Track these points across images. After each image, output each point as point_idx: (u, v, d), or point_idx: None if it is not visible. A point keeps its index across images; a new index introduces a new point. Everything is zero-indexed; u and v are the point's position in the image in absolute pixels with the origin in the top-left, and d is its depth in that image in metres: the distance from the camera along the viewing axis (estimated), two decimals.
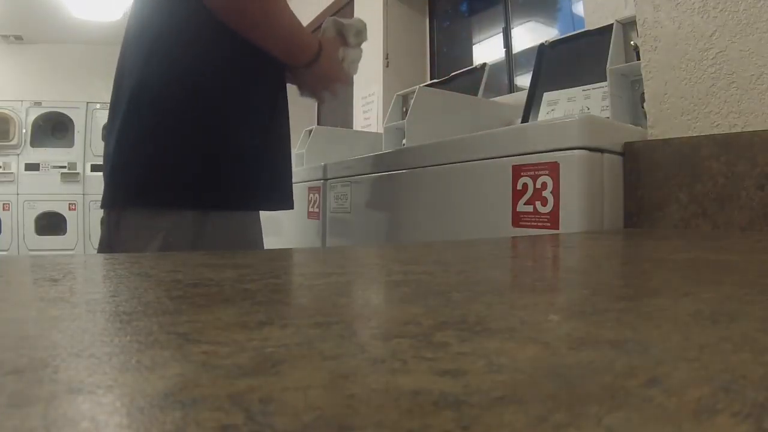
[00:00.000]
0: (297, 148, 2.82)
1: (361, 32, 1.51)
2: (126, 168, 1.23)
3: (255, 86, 1.32)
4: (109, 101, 1.34)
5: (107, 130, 1.32)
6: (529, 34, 3.44)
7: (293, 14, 1.28)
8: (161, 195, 1.20)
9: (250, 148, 1.29)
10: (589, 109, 1.79)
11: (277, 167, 1.39)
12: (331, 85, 1.46)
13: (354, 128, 4.30)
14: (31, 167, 7.24)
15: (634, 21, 1.47)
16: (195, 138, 1.21)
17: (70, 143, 7.33)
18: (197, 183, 1.21)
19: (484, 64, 2.66)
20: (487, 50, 3.76)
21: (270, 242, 2.47)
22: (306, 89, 1.47)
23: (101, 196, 1.29)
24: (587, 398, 0.18)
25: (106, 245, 1.29)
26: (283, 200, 1.43)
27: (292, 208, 1.46)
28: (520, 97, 2.27)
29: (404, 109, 2.72)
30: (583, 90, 1.84)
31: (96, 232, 7.15)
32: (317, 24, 5.44)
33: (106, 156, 1.30)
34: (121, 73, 1.30)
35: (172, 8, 1.23)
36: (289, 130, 1.47)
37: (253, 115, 1.31)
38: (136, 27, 1.29)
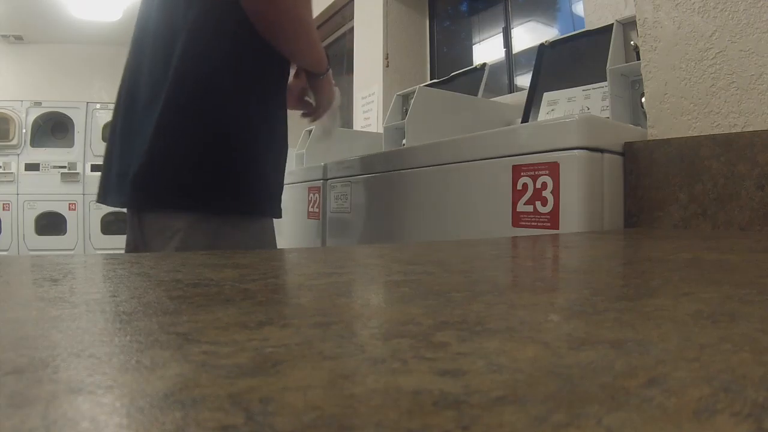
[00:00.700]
0: (297, 148, 2.82)
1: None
2: (153, 169, 1.22)
3: (276, 95, 1.35)
4: (121, 98, 1.34)
5: (124, 128, 1.31)
6: (529, 34, 3.44)
7: (313, 21, 1.32)
8: (178, 198, 1.21)
9: (267, 155, 1.33)
10: (589, 109, 1.79)
11: (281, 176, 1.43)
12: (332, 97, 1.52)
13: (354, 128, 4.30)
14: (31, 167, 7.23)
15: (634, 21, 1.47)
16: (218, 143, 1.23)
17: (70, 143, 7.31)
18: (217, 188, 1.22)
19: (484, 64, 2.66)
20: (487, 50, 3.76)
21: None
22: (320, 95, 1.51)
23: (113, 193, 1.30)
24: (587, 398, 0.18)
25: (133, 246, 1.30)
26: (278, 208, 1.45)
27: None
28: (520, 97, 2.27)
29: (404, 109, 2.72)
30: (583, 90, 1.84)
31: (96, 232, 7.15)
32: (317, 24, 5.44)
33: (124, 154, 1.28)
34: (139, 71, 1.31)
35: (199, 18, 1.23)
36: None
37: (273, 122, 1.34)
38: (159, 26, 1.29)
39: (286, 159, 1.44)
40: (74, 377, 0.20)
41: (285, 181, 2.13)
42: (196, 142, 1.21)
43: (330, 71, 1.47)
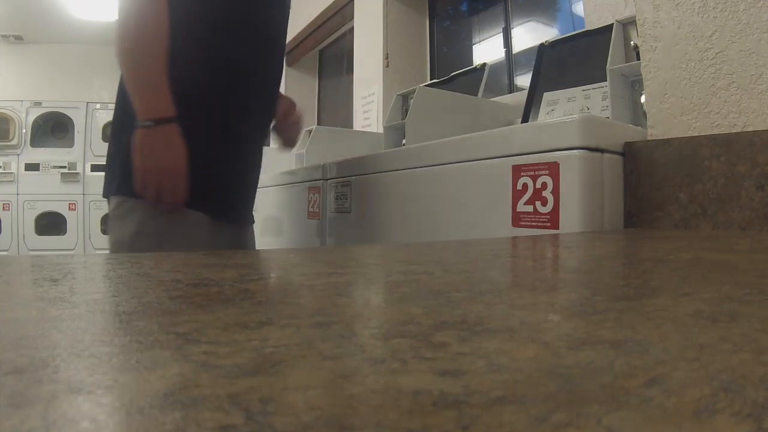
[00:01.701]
0: (297, 148, 2.82)
1: None
2: (110, 160, 1.37)
3: (218, 90, 1.34)
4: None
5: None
6: (529, 34, 3.44)
7: (153, 63, 1.22)
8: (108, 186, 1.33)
9: (218, 154, 1.33)
10: (589, 109, 1.79)
11: (239, 177, 1.41)
12: (144, 173, 1.26)
13: (354, 128, 4.30)
14: (31, 167, 7.23)
15: (634, 21, 1.47)
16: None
17: (70, 143, 7.31)
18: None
19: (484, 64, 2.66)
20: (487, 50, 3.76)
21: (270, 242, 2.47)
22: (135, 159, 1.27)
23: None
24: (587, 398, 0.18)
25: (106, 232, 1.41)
26: (237, 214, 1.45)
27: (250, 222, 1.52)
28: (520, 97, 2.27)
29: (404, 109, 2.72)
30: (583, 90, 1.84)
31: (96, 232, 7.14)
32: (316, 25, 5.45)
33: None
34: None
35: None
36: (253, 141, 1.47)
37: (212, 115, 1.33)
38: None
39: (236, 154, 1.39)
40: (74, 377, 0.20)
41: (284, 182, 2.13)
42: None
43: (162, 129, 1.23)
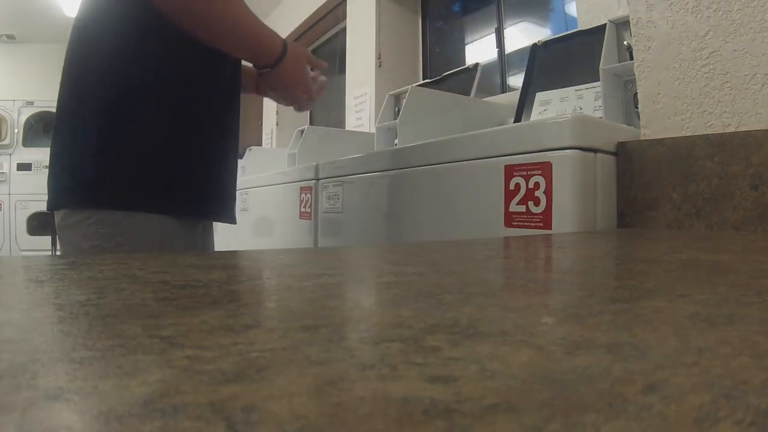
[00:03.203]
0: (289, 148, 2.82)
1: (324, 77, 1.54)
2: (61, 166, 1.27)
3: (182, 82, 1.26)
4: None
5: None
6: (521, 35, 3.44)
7: (249, 12, 1.23)
8: (87, 195, 1.20)
9: (175, 154, 1.24)
10: (581, 109, 1.79)
11: (207, 176, 1.31)
12: (296, 91, 1.41)
13: (346, 128, 4.31)
14: (23, 167, 7.23)
15: (627, 21, 1.47)
16: (125, 139, 1.19)
17: None
18: (121, 183, 1.18)
19: (477, 64, 2.66)
20: (479, 50, 3.76)
21: (261, 243, 2.48)
22: (272, 90, 1.42)
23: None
24: (584, 406, 0.17)
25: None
26: (216, 211, 1.38)
27: (230, 221, 1.43)
28: (513, 97, 2.28)
29: (396, 109, 2.72)
30: (576, 90, 1.84)
31: None
32: (309, 25, 5.45)
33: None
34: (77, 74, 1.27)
35: (123, 11, 1.20)
36: (235, 139, 1.42)
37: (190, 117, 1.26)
38: (89, 28, 1.24)
39: (213, 161, 1.33)
40: (53, 383, 0.20)
41: (276, 181, 2.12)
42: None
43: (284, 62, 1.31)
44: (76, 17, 1.27)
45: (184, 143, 1.23)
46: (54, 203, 1.28)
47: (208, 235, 1.46)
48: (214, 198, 1.36)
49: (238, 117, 1.42)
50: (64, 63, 1.29)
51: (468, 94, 2.54)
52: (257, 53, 1.30)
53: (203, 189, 1.30)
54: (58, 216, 1.25)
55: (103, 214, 1.17)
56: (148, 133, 1.19)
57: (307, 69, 1.41)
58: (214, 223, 1.47)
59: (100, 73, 1.19)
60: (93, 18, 1.22)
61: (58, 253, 1.26)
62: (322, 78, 1.51)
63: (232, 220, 1.44)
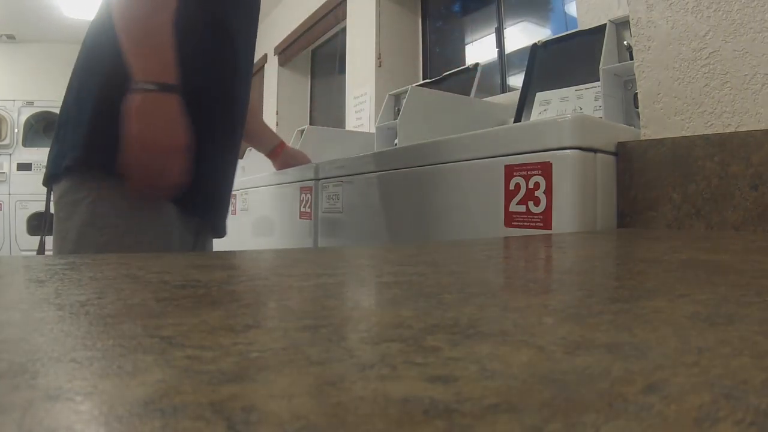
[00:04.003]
0: None
1: None
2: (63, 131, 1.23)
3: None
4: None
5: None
6: (521, 35, 3.44)
7: (167, 31, 1.09)
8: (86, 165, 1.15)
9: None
10: (581, 109, 1.79)
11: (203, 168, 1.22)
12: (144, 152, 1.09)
13: (346, 128, 4.31)
14: (23, 167, 7.23)
15: (627, 21, 1.47)
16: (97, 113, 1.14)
17: None
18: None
19: (477, 64, 2.66)
20: (479, 50, 3.76)
21: (261, 243, 2.47)
22: (127, 121, 1.08)
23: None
24: (584, 406, 0.17)
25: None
26: (200, 210, 1.30)
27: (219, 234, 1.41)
28: (513, 97, 2.28)
29: (396, 109, 2.72)
30: (576, 90, 1.84)
31: None
32: (309, 25, 5.45)
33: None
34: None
35: None
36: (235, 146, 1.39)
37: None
38: (98, 29, 1.24)
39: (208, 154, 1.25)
40: (53, 383, 0.20)
41: (276, 181, 2.12)
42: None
43: (166, 96, 1.08)
44: (92, 19, 1.28)
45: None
46: (48, 177, 1.24)
47: (207, 243, 1.43)
48: (209, 202, 1.32)
49: (241, 125, 1.39)
50: (76, 62, 1.29)
51: (468, 94, 2.54)
52: (149, 53, 1.09)
53: (202, 189, 1.25)
54: (54, 192, 1.21)
55: (101, 192, 1.14)
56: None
57: (165, 135, 1.10)
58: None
59: (101, 74, 1.17)
60: (101, 20, 1.22)
61: (48, 245, 1.22)
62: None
63: (221, 231, 1.41)
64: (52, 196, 1.24)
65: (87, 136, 1.15)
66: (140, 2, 1.08)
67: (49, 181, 1.24)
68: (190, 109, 1.13)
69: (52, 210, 1.27)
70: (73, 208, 1.16)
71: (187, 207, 1.23)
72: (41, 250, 1.39)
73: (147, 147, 1.07)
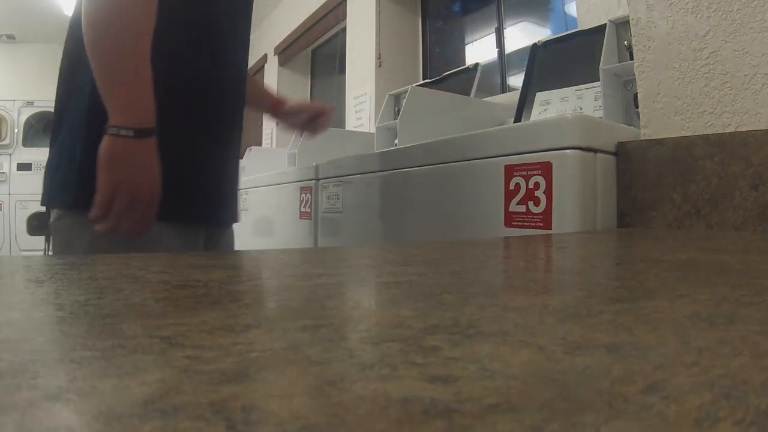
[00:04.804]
0: (289, 148, 2.82)
1: None
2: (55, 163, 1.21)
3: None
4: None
5: None
6: (521, 35, 3.44)
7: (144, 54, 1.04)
8: (79, 197, 1.12)
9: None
10: (581, 109, 1.79)
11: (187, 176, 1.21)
12: (123, 188, 1.06)
13: (346, 128, 4.31)
14: (23, 167, 7.24)
15: (627, 21, 1.47)
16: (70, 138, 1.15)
17: None
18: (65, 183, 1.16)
19: (477, 64, 2.66)
20: (479, 50, 3.76)
21: (261, 242, 2.47)
22: (101, 167, 1.05)
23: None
24: (584, 406, 0.17)
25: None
26: (210, 215, 1.30)
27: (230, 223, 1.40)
28: (513, 97, 2.28)
29: (396, 109, 2.72)
30: (576, 90, 1.84)
31: None
32: (309, 25, 5.45)
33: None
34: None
35: None
36: (235, 144, 1.36)
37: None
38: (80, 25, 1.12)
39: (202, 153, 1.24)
40: (53, 383, 0.20)
41: (276, 182, 2.12)
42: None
43: (141, 141, 1.05)
44: (72, 14, 1.21)
45: (177, 147, 1.15)
46: (48, 200, 1.23)
47: (220, 241, 1.40)
48: (208, 202, 1.29)
49: (239, 122, 1.37)
50: (61, 60, 1.26)
51: (468, 94, 2.54)
52: (125, 100, 1.05)
53: (197, 193, 1.24)
54: (52, 214, 1.21)
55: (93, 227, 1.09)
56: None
57: (138, 180, 1.07)
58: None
59: (90, 72, 1.09)
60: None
61: (50, 252, 1.21)
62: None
63: (232, 220, 1.40)
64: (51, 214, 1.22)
65: (78, 175, 1.13)
66: (114, 34, 1.03)
67: (46, 205, 1.24)
68: (171, 108, 1.12)
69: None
70: (69, 238, 1.17)
71: (185, 219, 1.22)
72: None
73: (118, 193, 1.05)
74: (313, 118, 1.68)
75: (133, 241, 1.10)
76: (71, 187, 1.15)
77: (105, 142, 1.03)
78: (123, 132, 1.02)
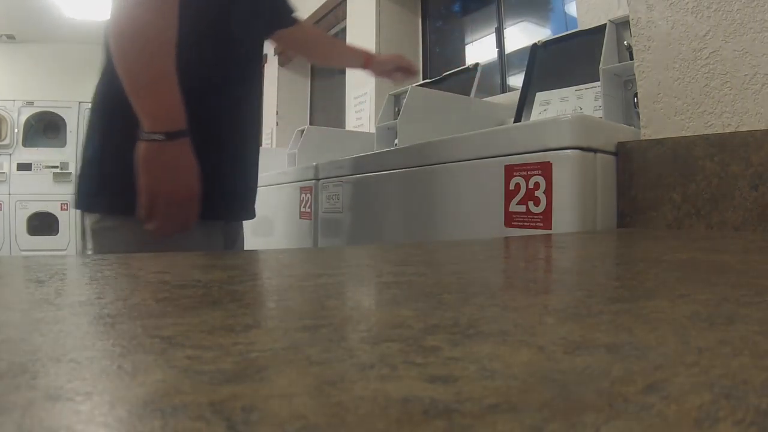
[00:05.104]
0: (289, 148, 2.82)
1: None
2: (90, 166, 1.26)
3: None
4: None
5: None
6: (521, 34, 3.44)
7: (169, 62, 1.09)
8: (116, 202, 1.20)
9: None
10: (581, 109, 1.79)
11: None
12: (162, 189, 1.12)
13: (346, 128, 4.30)
14: (23, 167, 7.24)
15: (627, 21, 1.47)
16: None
17: (62, 143, 7.33)
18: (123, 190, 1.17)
19: (477, 64, 2.66)
20: (479, 50, 3.76)
21: (261, 243, 2.47)
22: (143, 174, 1.12)
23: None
24: (584, 406, 0.17)
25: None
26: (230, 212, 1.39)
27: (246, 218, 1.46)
28: (513, 97, 2.27)
29: (396, 109, 2.72)
30: (576, 90, 1.84)
31: None
32: (309, 23, 5.45)
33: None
34: None
35: None
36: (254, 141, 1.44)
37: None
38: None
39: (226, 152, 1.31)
40: (53, 383, 0.20)
41: (277, 182, 2.13)
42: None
43: (173, 144, 1.10)
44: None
45: (205, 149, 1.19)
46: (85, 205, 1.27)
47: (233, 233, 1.47)
48: (230, 198, 1.35)
49: (258, 120, 1.45)
50: (101, 64, 1.29)
51: (468, 94, 2.54)
52: (156, 107, 1.11)
53: (222, 191, 1.29)
54: (90, 218, 1.24)
55: (133, 220, 1.15)
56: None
57: (177, 183, 1.13)
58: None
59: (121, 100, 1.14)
60: None
61: (89, 251, 1.25)
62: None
63: (248, 216, 1.47)
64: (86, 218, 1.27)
65: (108, 179, 1.21)
66: (139, 45, 1.09)
67: (83, 208, 1.28)
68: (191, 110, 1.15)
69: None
70: (113, 234, 1.21)
71: (208, 214, 1.25)
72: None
73: (158, 196, 1.11)
74: (399, 69, 1.92)
75: (166, 241, 1.16)
76: (105, 194, 1.21)
77: (140, 148, 1.09)
78: (155, 136, 1.08)
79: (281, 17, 1.70)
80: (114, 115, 1.20)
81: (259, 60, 1.47)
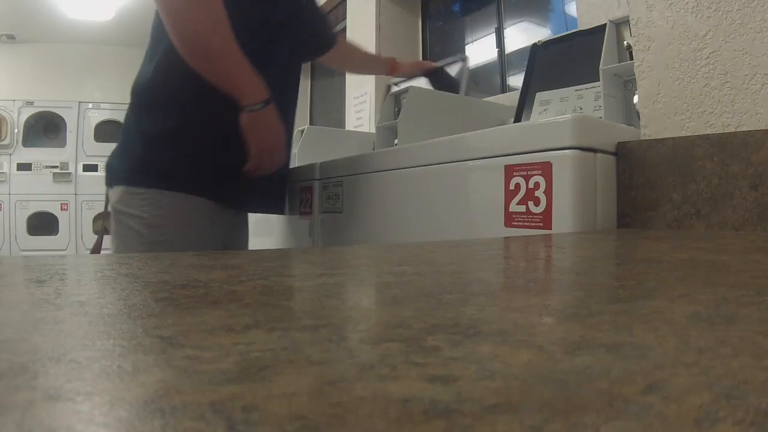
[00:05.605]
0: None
1: None
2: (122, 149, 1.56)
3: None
4: None
5: None
6: (521, 35, 3.44)
7: (235, 48, 1.35)
8: (141, 176, 1.47)
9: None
10: (581, 109, 1.79)
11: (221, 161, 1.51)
12: (267, 143, 1.47)
13: (346, 128, 4.30)
14: (23, 167, 7.23)
15: (627, 21, 1.47)
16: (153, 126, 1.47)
17: (62, 143, 7.32)
18: (145, 165, 1.47)
19: (465, 57, 2.67)
20: (479, 50, 3.76)
21: (261, 242, 2.47)
22: (249, 135, 1.44)
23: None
24: (584, 406, 0.17)
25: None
26: (226, 198, 1.57)
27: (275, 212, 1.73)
28: (513, 97, 2.27)
29: (396, 109, 2.71)
30: (576, 90, 1.84)
31: (88, 232, 7.15)
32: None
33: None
34: None
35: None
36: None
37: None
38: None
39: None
40: (53, 383, 0.20)
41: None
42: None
43: (266, 109, 1.42)
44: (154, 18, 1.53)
45: (230, 138, 1.43)
46: (112, 179, 1.51)
47: (244, 223, 1.79)
48: (254, 191, 1.61)
49: (291, 117, 1.67)
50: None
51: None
52: (238, 90, 1.38)
53: (243, 182, 1.52)
54: (114, 195, 1.48)
55: (153, 193, 1.43)
56: (199, 127, 1.45)
57: (275, 137, 1.48)
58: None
59: (165, 61, 1.44)
60: None
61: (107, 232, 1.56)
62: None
63: (278, 211, 1.85)
64: (111, 195, 1.52)
65: (146, 155, 1.48)
66: (204, 42, 1.33)
67: (110, 182, 1.53)
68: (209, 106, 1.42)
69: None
70: (131, 205, 1.46)
71: (225, 202, 1.57)
72: (97, 249, 1.67)
73: (264, 149, 1.45)
74: (425, 74, 2.33)
75: (179, 214, 1.46)
76: (134, 169, 1.48)
77: (244, 118, 1.39)
78: (255, 107, 1.39)
79: (323, 45, 1.99)
80: (185, 97, 1.46)
81: (297, 81, 1.75)
